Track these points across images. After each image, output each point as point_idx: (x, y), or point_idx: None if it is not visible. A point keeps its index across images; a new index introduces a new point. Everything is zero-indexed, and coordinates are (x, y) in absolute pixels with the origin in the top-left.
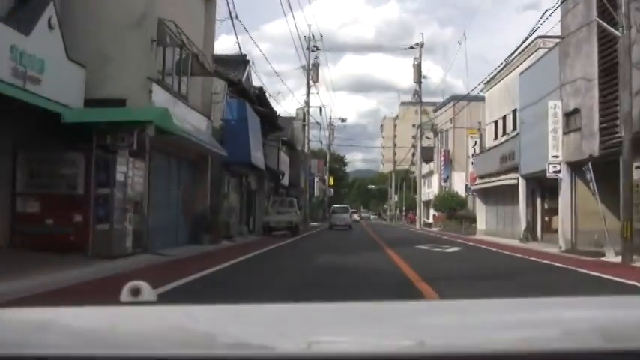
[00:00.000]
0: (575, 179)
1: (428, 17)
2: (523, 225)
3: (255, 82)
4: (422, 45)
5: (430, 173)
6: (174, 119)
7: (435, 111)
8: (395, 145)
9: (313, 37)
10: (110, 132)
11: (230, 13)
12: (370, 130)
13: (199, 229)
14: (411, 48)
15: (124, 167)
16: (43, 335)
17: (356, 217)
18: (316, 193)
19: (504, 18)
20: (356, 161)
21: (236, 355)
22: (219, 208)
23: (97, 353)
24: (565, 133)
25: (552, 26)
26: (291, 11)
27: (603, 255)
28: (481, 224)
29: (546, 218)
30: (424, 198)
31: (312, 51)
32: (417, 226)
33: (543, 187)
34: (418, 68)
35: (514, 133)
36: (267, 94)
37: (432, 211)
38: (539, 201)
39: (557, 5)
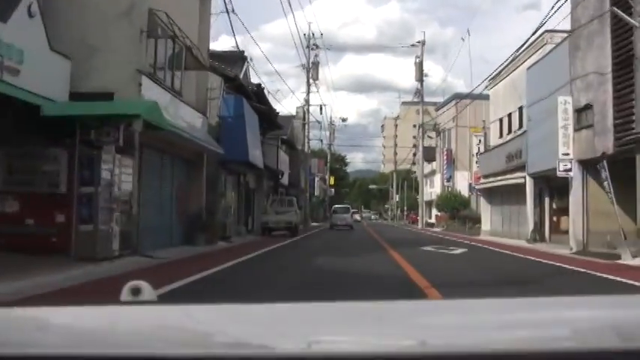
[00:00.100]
0: (587, 178)
1: (428, 17)
2: (530, 225)
3: (255, 81)
4: (423, 43)
5: (432, 173)
6: (165, 114)
7: (437, 109)
8: (396, 144)
9: (313, 35)
10: (95, 126)
11: (226, 7)
12: (371, 131)
13: (194, 230)
14: (413, 46)
15: (109, 164)
16: (43, 335)
17: (357, 217)
18: (317, 192)
19: (504, 18)
20: (357, 161)
21: (236, 355)
22: (215, 207)
23: (96, 353)
24: (576, 130)
25: (558, 22)
26: (292, 11)
27: (618, 257)
28: (486, 224)
29: (555, 218)
30: (426, 198)
31: (312, 49)
32: (419, 226)
33: (551, 187)
34: (420, 66)
35: (521, 131)
36: (265, 91)
37: (434, 211)
38: (547, 200)
39: None
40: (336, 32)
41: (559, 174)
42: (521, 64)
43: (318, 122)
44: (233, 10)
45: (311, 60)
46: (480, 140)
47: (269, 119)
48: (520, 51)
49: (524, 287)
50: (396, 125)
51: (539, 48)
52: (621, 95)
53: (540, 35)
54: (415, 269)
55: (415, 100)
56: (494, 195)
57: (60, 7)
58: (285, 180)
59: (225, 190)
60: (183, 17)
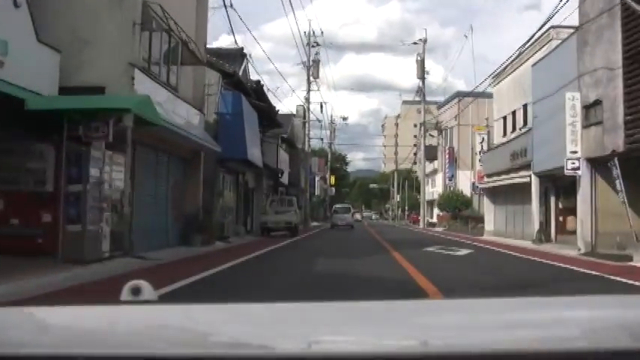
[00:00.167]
0: (596, 176)
1: (429, 17)
2: (536, 226)
3: (254, 78)
4: (425, 41)
5: (434, 172)
6: (160, 110)
7: (439, 108)
8: (397, 144)
9: (314, 32)
10: (83, 121)
11: (224, 1)
12: (371, 130)
13: (191, 230)
14: (415, 44)
15: (99, 161)
16: (43, 335)
17: (357, 216)
18: (317, 192)
19: (505, 18)
20: (357, 160)
21: (236, 355)
22: (212, 207)
23: (96, 353)
24: (584, 127)
25: (564, 18)
26: (293, 10)
27: (629, 259)
28: (489, 224)
29: (561, 218)
30: (428, 197)
31: (313, 46)
32: (421, 226)
33: (557, 186)
34: (421, 64)
35: (526, 129)
36: (265, 88)
37: (435, 211)
38: (552, 200)
39: None
40: (336, 32)
41: (567, 172)
42: (526, 60)
43: (319, 120)
44: (231, 5)
45: (311, 58)
46: (483, 139)
47: (269, 117)
48: (525, 47)
49: (540, 293)
50: (397, 124)
51: (545, 44)
52: (632, 91)
53: (546, 31)
54: (420, 272)
55: (417, 98)
56: (498, 194)
57: None
58: (285, 179)
59: (223, 190)
60: (179, 10)
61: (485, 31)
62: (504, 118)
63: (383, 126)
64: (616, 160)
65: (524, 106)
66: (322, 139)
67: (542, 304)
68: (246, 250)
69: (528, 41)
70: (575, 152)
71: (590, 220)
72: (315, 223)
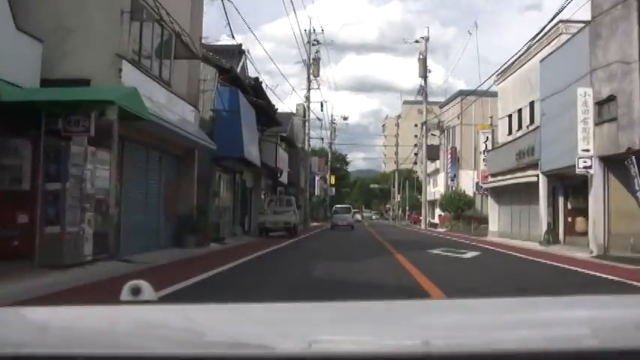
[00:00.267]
0: (609, 175)
1: (430, 18)
2: (543, 227)
3: (253, 76)
4: (427, 39)
5: (436, 171)
6: (150, 104)
7: (441, 107)
8: (397, 144)
9: (314, 30)
10: (62, 115)
11: None
12: (372, 131)
13: (184, 231)
14: (417, 42)
15: (80, 157)
16: (43, 335)
17: (358, 216)
18: (317, 192)
19: (506, 18)
20: (357, 160)
21: (236, 355)
22: (207, 207)
23: (96, 353)
24: (597, 124)
25: (573, 13)
26: (294, 10)
27: None
28: (493, 225)
29: (570, 219)
30: (429, 197)
31: (313, 44)
32: (422, 226)
33: (566, 185)
34: (424, 62)
35: (533, 127)
36: (263, 85)
37: (437, 211)
38: (561, 200)
39: None
40: (337, 32)
41: (578, 171)
42: (533, 56)
43: (319, 119)
44: None
45: (312, 56)
46: (487, 137)
47: (267, 115)
48: (533, 42)
49: None
50: (398, 124)
51: (554, 39)
52: None
53: (555, 25)
54: (427, 277)
55: (418, 98)
56: (503, 194)
57: None
58: (284, 179)
59: (220, 189)
60: (172, 1)
61: (486, 31)
62: (510, 116)
63: (383, 126)
64: (633, 158)
65: (531, 104)
66: (322, 139)
67: (543, 303)
68: (241, 252)
69: (536, 36)
70: (588, 150)
71: (602, 221)
72: (315, 224)
